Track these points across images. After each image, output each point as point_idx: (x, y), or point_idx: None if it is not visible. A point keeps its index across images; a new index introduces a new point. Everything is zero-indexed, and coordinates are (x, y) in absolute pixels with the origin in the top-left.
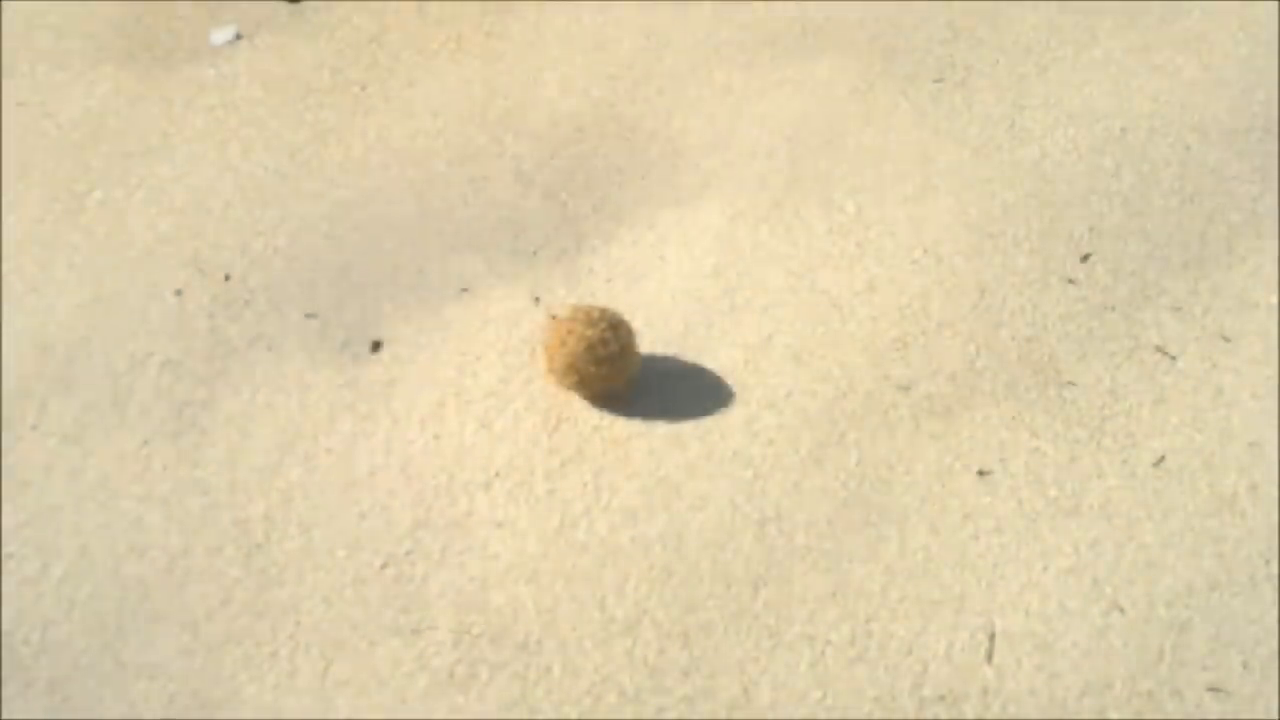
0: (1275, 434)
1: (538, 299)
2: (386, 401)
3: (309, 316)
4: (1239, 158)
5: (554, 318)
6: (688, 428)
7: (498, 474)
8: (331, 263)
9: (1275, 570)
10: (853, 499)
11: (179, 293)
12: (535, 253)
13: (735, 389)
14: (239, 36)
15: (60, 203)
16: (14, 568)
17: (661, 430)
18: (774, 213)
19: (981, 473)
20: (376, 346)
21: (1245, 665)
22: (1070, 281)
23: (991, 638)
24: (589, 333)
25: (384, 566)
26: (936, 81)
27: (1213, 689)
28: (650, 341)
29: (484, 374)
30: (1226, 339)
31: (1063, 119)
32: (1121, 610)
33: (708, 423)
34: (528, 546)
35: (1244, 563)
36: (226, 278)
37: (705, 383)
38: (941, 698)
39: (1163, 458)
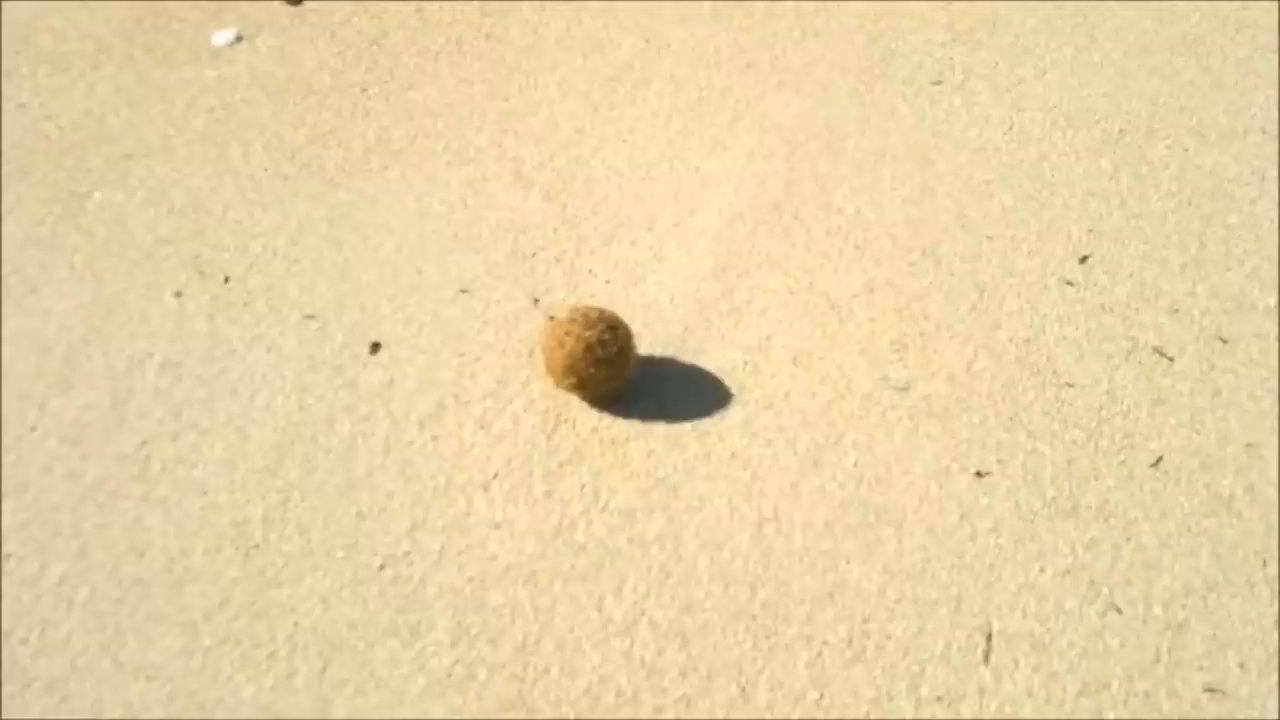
0: (1273, 435)
1: (536, 300)
2: (385, 403)
3: (308, 318)
4: (1237, 160)
5: (552, 319)
6: (686, 429)
7: (496, 475)
8: (331, 264)
9: (1273, 571)
10: (850, 500)
11: (179, 294)
12: (534, 254)
13: (733, 390)
14: (239, 38)
15: (60, 204)
16: (14, 568)
17: (660, 431)
18: (773, 214)
19: (979, 474)
20: (375, 348)
21: (1242, 666)
22: (1068, 283)
23: (989, 638)
24: (587, 334)
25: (382, 567)
26: (935, 84)
27: (1210, 689)
28: (649, 343)
29: (482, 375)
30: (1224, 340)
31: (1061, 121)
32: (1119, 611)
33: (706, 424)
34: (526, 547)
35: (1241, 564)
36: (226, 279)
37: (703, 384)
38: (939, 698)
39: (1160, 459)
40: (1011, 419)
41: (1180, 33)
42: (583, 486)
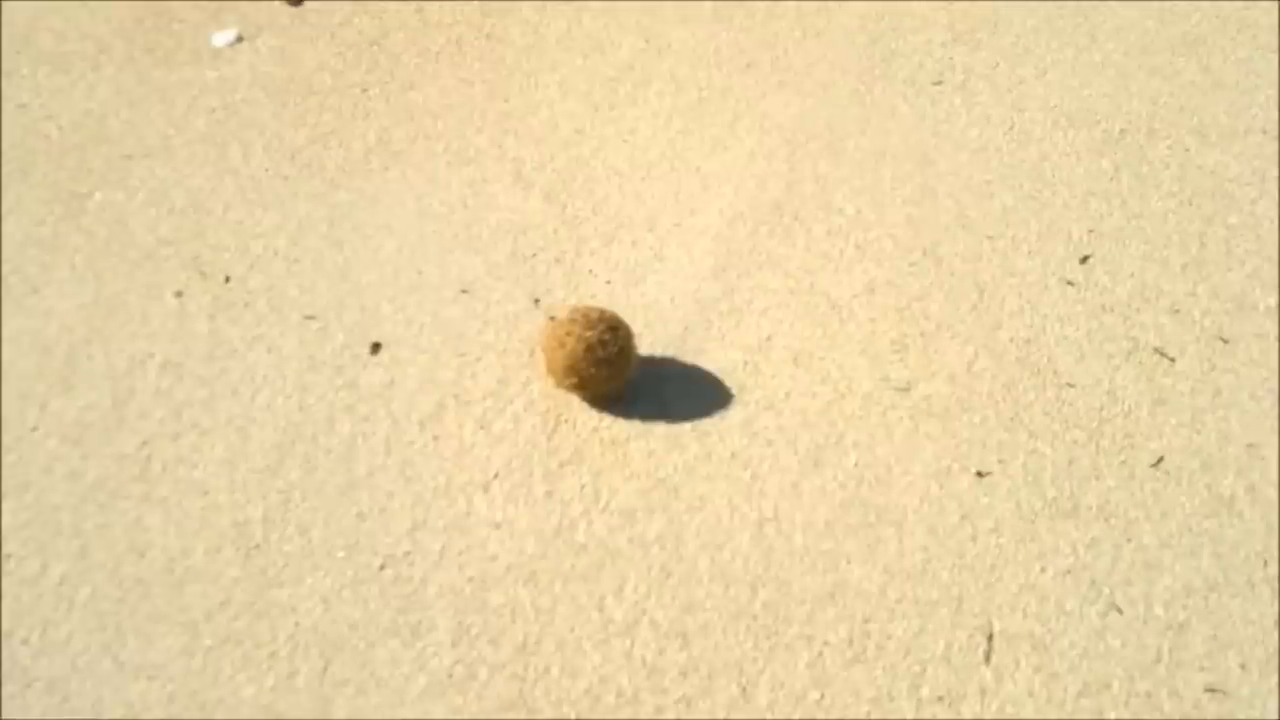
0: (1273, 435)
1: (537, 300)
2: (386, 403)
3: (308, 318)
4: (1238, 160)
5: (553, 319)
6: (686, 429)
7: (496, 475)
8: (331, 264)
9: (1273, 571)
10: (851, 500)
11: (179, 294)
12: (534, 254)
13: (734, 390)
14: (240, 39)
15: (61, 204)
16: (14, 568)
17: (660, 431)
18: (773, 215)
19: (980, 474)
20: (376, 348)
21: (1243, 666)
22: (1069, 283)
23: (990, 638)
24: (588, 334)
25: (383, 567)
26: (936, 84)
27: (1210, 690)
28: (649, 343)
29: (483, 375)
30: (1225, 340)
31: (1062, 121)
32: (1119, 611)
33: (706, 424)
34: (526, 547)
35: (1242, 564)
36: (227, 279)
37: (704, 384)
38: (940, 698)
39: (1161, 459)
40: (1012, 419)
41: (1181, 33)
42: (583, 487)
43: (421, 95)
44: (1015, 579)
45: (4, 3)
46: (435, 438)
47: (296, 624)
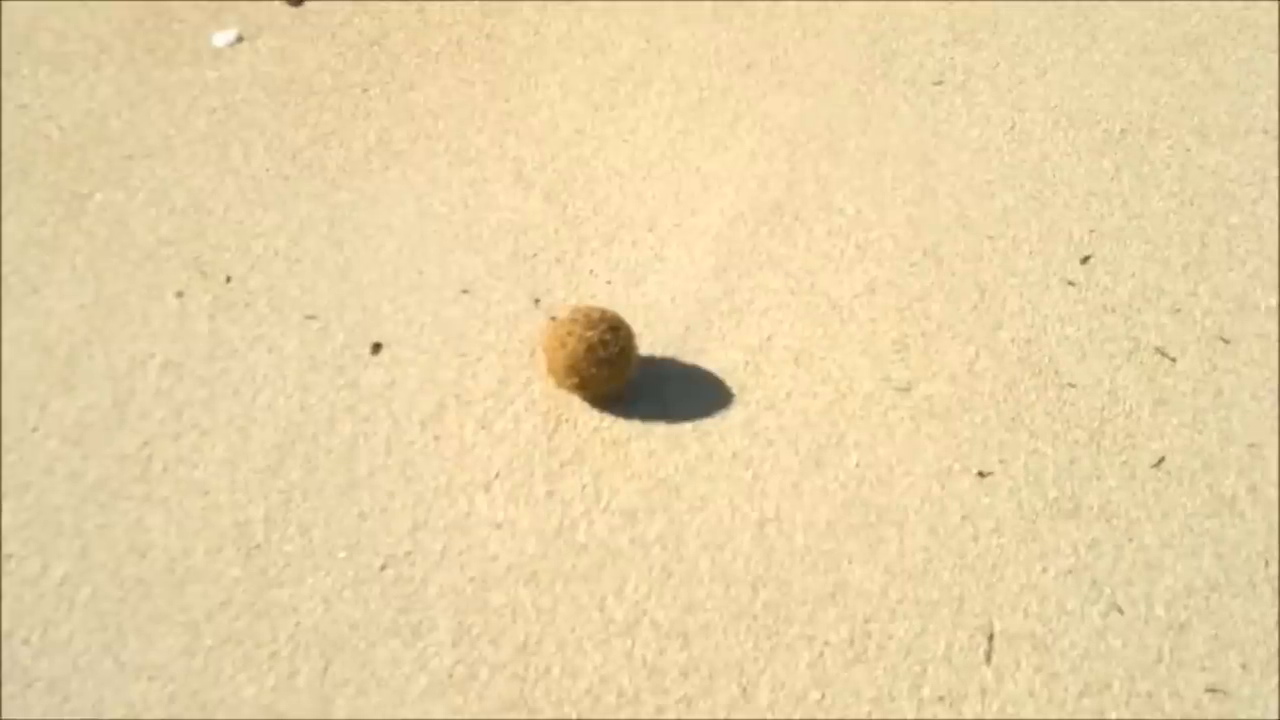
0: (1275, 435)
1: (538, 300)
2: (386, 403)
3: (309, 318)
4: (1238, 160)
5: (554, 319)
6: (687, 429)
7: (497, 475)
8: (332, 264)
9: (1274, 572)
10: (852, 500)
11: (180, 294)
12: (535, 254)
13: (735, 390)
14: (240, 39)
15: (62, 204)
16: (14, 568)
17: (661, 431)
18: (774, 214)
19: (981, 474)
20: (376, 348)
21: (1244, 666)
22: (1070, 283)
23: (990, 639)
24: (589, 334)
25: (383, 567)
26: (937, 84)
27: (1211, 690)
28: (650, 343)
29: (484, 375)
30: (1226, 340)
31: (1062, 121)
32: (1120, 611)
33: (707, 424)
34: (527, 547)
35: (1243, 564)
36: (227, 279)
37: (705, 384)
38: (940, 698)
39: (1162, 459)
40: (1013, 419)
41: (1181, 33)
42: (584, 487)
43: (422, 95)
44: (1016, 579)
45: (4, 3)
46: (436, 438)
47: (297, 624)
